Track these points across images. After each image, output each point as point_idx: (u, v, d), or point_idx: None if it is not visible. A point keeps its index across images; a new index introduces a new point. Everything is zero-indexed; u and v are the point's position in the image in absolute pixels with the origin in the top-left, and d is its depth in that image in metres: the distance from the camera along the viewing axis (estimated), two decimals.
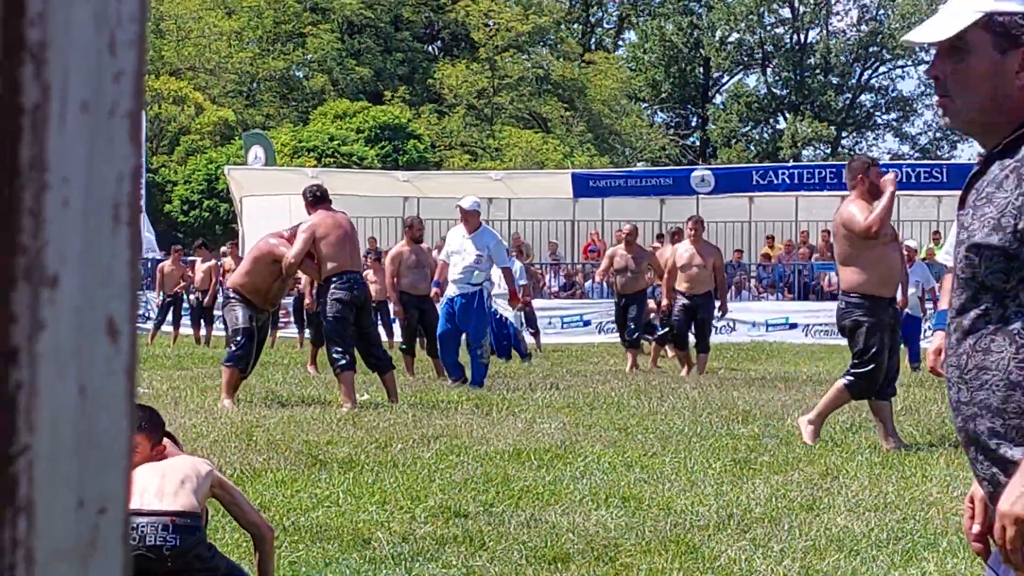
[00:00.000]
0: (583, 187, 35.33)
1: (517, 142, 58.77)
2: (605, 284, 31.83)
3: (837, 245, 11.75)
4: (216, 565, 6.04)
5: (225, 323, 15.20)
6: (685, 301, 20.03)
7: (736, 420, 13.31)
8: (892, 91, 76.91)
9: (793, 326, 30.78)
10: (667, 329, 20.99)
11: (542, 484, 9.31)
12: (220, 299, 21.48)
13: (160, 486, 6.18)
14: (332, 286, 14.23)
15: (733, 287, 33.17)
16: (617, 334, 27.15)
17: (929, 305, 21.80)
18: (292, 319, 26.78)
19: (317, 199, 14.65)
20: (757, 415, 13.71)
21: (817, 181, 34.49)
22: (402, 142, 54.03)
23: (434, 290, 18.16)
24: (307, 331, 22.39)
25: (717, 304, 20.71)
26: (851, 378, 11.71)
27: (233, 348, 14.41)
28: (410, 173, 39.82)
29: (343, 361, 14.08)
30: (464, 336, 17.21)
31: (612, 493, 9.00)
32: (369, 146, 52.92)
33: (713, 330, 22.07)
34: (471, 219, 17.24)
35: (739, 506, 8.62)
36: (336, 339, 14.16)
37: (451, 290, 17.12)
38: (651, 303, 23.33)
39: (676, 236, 22.56)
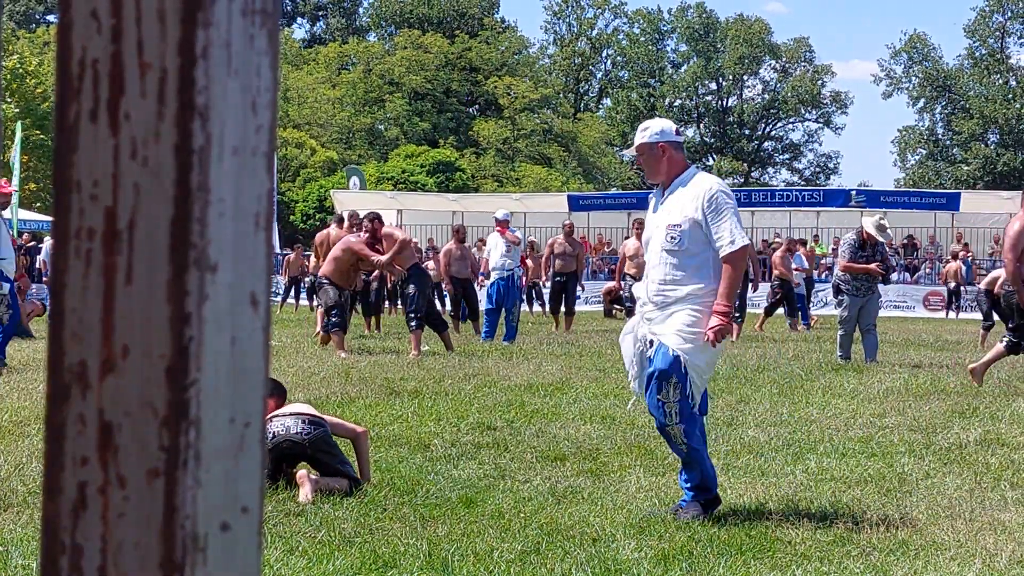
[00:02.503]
0: (575, 204, 35.32)
1: (530, 174, 58.67)
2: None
3: (1006, 244, 10.52)
4: (338, 454, 6.13)
5: (320, 300, 14.82)
6: (634, 282, 18.61)
7: None
8: (785, 139, 76.61)
9: None
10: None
11: (547, 407, 9.30)
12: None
13: (294, 410, 6.28)
14: (414, 274, 14.26)
15: None
16: (600, 305, 27.22)
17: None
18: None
19: (382, 222, 14.60)
20: None
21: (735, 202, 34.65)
22: (451, 174, 53.97)
23: (481, 278, 18.27)
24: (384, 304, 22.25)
25: None
26: (1010, 339, 10.90)
27: (333, 319, 14.33)
28: (457, 195, 39.82)
29: (415, 323, 14.12)
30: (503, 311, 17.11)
31: (595, 414, 9.00)
32: (429, 176, 52.89)
33: None
34: (503, 227, 17.26)
35: None
36: (415, 308, 14.19)
37: (493, 276, 17.10)
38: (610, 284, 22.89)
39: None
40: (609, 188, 64.10)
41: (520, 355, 14.13)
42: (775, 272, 20.62)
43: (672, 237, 5.61)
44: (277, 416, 6.10)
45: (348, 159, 58.23)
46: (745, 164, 72.45)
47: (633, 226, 19.29)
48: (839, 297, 13.76)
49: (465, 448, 7.37)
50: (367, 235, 14.27)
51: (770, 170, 77.38)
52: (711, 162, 73.70)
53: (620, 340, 5.93)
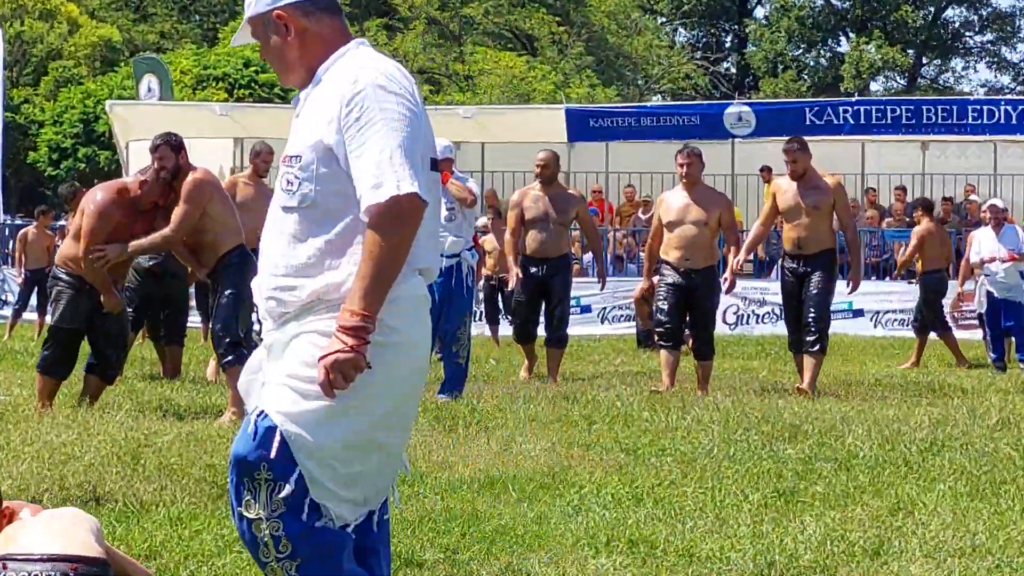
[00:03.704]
0: (581, 127, 35.23)
1: (494, 68, 58.61)
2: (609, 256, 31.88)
3: None
4: None
5: (49, 308, 14.85)
6: (677, 278, 17.78)
7: (781, 438, 13.29)
8: (987, 5, 76.81)
9: (858, 313, 30.72)
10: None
11: (523, 523, 9.30)
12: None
13: (51, 529, 6.19)
14: (232, 265, 14.43)
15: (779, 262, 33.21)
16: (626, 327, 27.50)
17: None
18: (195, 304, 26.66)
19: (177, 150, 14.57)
20: (809, 431, 13.69)
21: (889, 121, 34.46)
22: None
23: None
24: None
25: (724, 282, 18.08)
26: None
27: (45, 350, 14.44)
28: None
29: (228, 353, 14.38)
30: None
31: (616, 535, 8.99)
32: None
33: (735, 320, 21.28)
34: (443, 169, 16.92)
35: (783, 551, 8.64)
36: (226, 325, 14.40)
37: None
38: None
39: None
40: (647, 96, 64.14)
41: (472, 421, 14.12)
42: None
43: (288, 181, 5.44)
44: (13, 559, 6.01)
45: (140, 42, 58.10)
46: (909, 52, 72.73)
47: (678, 159, 18.00)
48: None
49: None
50: (153, 179, 14.22)
51: (956, 63, 77.74)
52: (844, 46, 73.94)
53: (240, 388, 5.77)
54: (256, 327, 15.64)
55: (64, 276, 14.29)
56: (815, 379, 17.61)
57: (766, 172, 33.15)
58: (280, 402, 5.32)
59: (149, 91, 40.26)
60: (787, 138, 18.20)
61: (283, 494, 5.28)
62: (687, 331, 18.47)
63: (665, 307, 17.87)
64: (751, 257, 19.83)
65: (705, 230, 17.67)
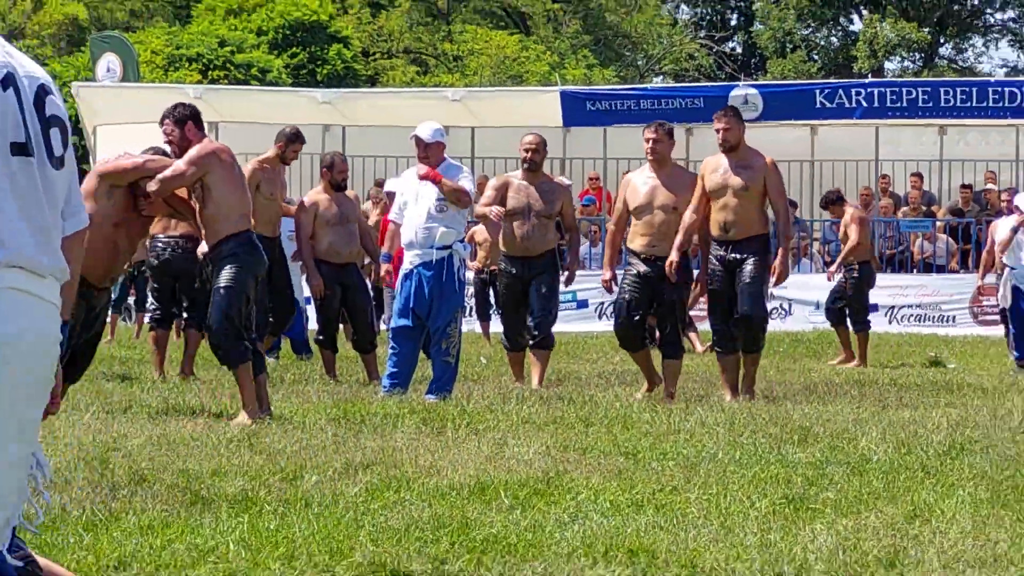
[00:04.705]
0: (577, 111, 35.23)
1: (484, 48, 58.53)
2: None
3: None
4: None
5: None
6: (644, 268, 17.15)
7: (790, 441, 13.28)
8: None
9: (873, 308, 30.70)
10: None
11: (515, 532, 9.27)
12: None
13: None
14: (236, 252, 14.17)
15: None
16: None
17: None
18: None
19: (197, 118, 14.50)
20: (820, 433, 13.68)
21: (905, 104, 34.46)
22: (322, 48, 53.80)
23: (385, 267, 17.92)
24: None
25: (694, 287, 17.45)
26: None
27: None
28: (332, 92, 39.68)
29: (241, 348, 14.18)
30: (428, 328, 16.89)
31: (615, 544, 8.97)
32: (275, 54, 52.68)
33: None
34: (432, 154, 16.85)
35: (792, 561, 8.62)
36: (227, 318, 14.12)
37: (409, 260, 16.73)
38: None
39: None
40: (647, 77, 64.07)
41: (462, 422, 14.10)
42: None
43: None
44: None
45: (108, 20, 57.95)
46: (926, 30, 72.71)
47: (645, 133, 17.28)
48: None
49: None
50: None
51: (976, 41, 77.67)
52: (857, 24, 73.86)
53: None
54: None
55: None
56: (754, 381, 17.33)
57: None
58: None
59: (108, 71, 39.98)
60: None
61: None
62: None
63: (626, 302, 17.28)
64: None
65: (674, 216, 16.95)
